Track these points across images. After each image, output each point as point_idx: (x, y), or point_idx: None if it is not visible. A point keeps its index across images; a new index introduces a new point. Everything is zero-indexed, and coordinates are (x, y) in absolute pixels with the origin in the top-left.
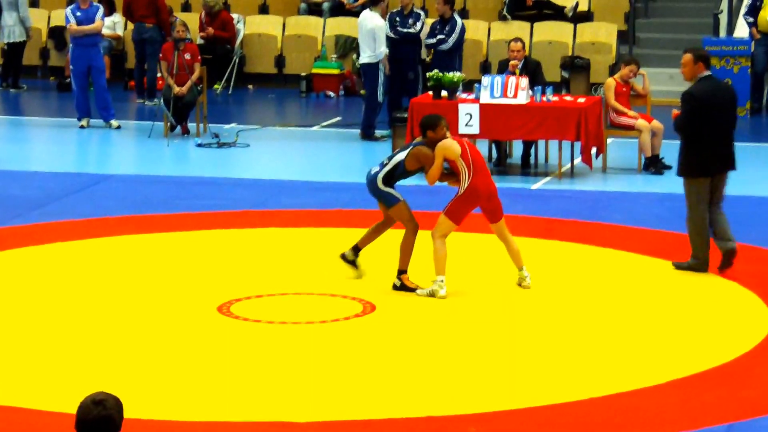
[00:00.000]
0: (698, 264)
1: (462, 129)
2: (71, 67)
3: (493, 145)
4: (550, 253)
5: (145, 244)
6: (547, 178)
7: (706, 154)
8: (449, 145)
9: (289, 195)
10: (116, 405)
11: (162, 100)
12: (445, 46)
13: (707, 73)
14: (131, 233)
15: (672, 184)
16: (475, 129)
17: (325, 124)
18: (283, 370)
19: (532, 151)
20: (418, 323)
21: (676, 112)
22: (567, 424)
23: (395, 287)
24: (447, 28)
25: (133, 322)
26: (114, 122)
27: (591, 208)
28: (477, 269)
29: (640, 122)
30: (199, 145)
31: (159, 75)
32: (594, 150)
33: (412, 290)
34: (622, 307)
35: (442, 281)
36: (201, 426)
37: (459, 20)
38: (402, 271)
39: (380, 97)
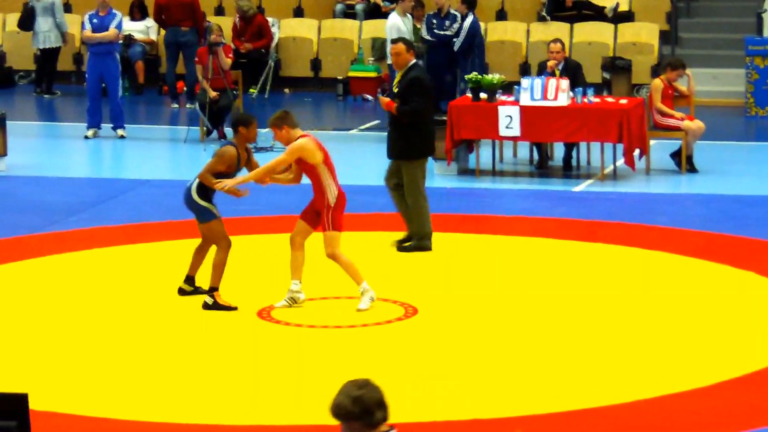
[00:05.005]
0: (426, 240)
1: (502, 131)
2: (86, 75)
3: (534, 148)
4: (594, 256)
5: (183, 250)
6: (590, 181)
7: (429, 135)
8: (310, 148)
9: None
10: None
11: (198, 105)
12: (455, 48)
13: (414, 60)
14: (169, 239)
15: (716, 185)
16: (515, 131)
17: (363, 127)
18: (326, 375)
19: (574, 153)
20: (461, 326)
21: (390, 102)
22: (613, 426)
23: (206, 306)
24: (458, 28)
25: (174, 327)
26: (120, 131)
27: (635, 210)
28: (514, 273)
29: (687, 123)
30: None
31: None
32: (637, 152)
33: (226, 308)
34: (668, 309)
35: (367, 287)
36: (245, 429)
37: (468, 21)
38: (213, 289)
39: None
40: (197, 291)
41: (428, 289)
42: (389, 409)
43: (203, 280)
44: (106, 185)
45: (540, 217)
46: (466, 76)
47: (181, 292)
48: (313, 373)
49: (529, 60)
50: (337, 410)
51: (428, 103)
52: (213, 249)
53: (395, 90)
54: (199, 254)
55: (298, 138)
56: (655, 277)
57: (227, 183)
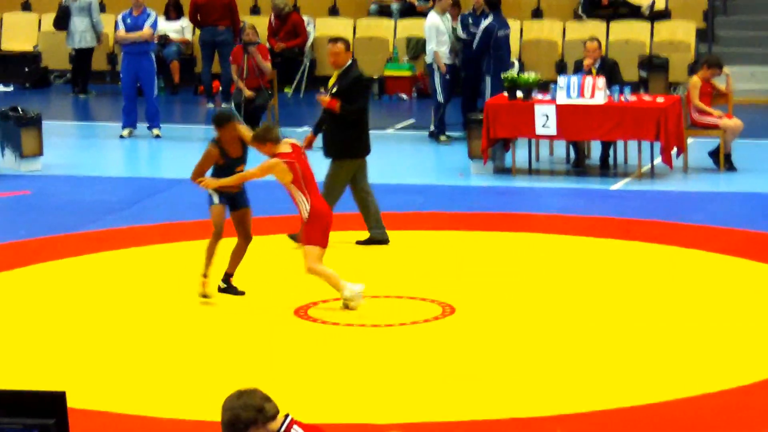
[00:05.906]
0: (381, 234)
1: (539, 130)
2: (121, 75)
3: (571, 146)
4: (632, 254)
5: (221, 248)
6: (627, 179)
7: (364, 136)
8: (280, 169)
9: None
10: None
11: (233, 104)
12: (473, 47)
13: (351, 60)
14: (205, 238)
15: (755, 183)
16: (552, 130)
17: (398, 126)
18: (363, 373)
19: (611, 151)
20: (498, 325)
21: (330, 100)
22: (655, 424)
23: (220, 289)
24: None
25: (211, 324)
26: (155, 131)
27: (672, 208)
28: (551, 272)
29: (725, 121)
30: None
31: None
32: (675, 150)
33: (241, 293)
34: (706, 307)
35: (351, 289)
36: None
37: (486, 21)
38: (229, 275)
39: (439, 98)
40: (234, 290)
41: (465, 287)
42: (273, 401)
43: (238, 278)
44: (141, 184)
45: (577, 215)
46: (501, 75)
47: (220, 290)
48: (350, 372)
49: (565, 58)
50: (233, 426)
51: (367, 102)
52: (251, 245)
53: (333, 89)
54: (239, 251)
55: (274, 156)
56: (693, 275)
57: (208, 183)
